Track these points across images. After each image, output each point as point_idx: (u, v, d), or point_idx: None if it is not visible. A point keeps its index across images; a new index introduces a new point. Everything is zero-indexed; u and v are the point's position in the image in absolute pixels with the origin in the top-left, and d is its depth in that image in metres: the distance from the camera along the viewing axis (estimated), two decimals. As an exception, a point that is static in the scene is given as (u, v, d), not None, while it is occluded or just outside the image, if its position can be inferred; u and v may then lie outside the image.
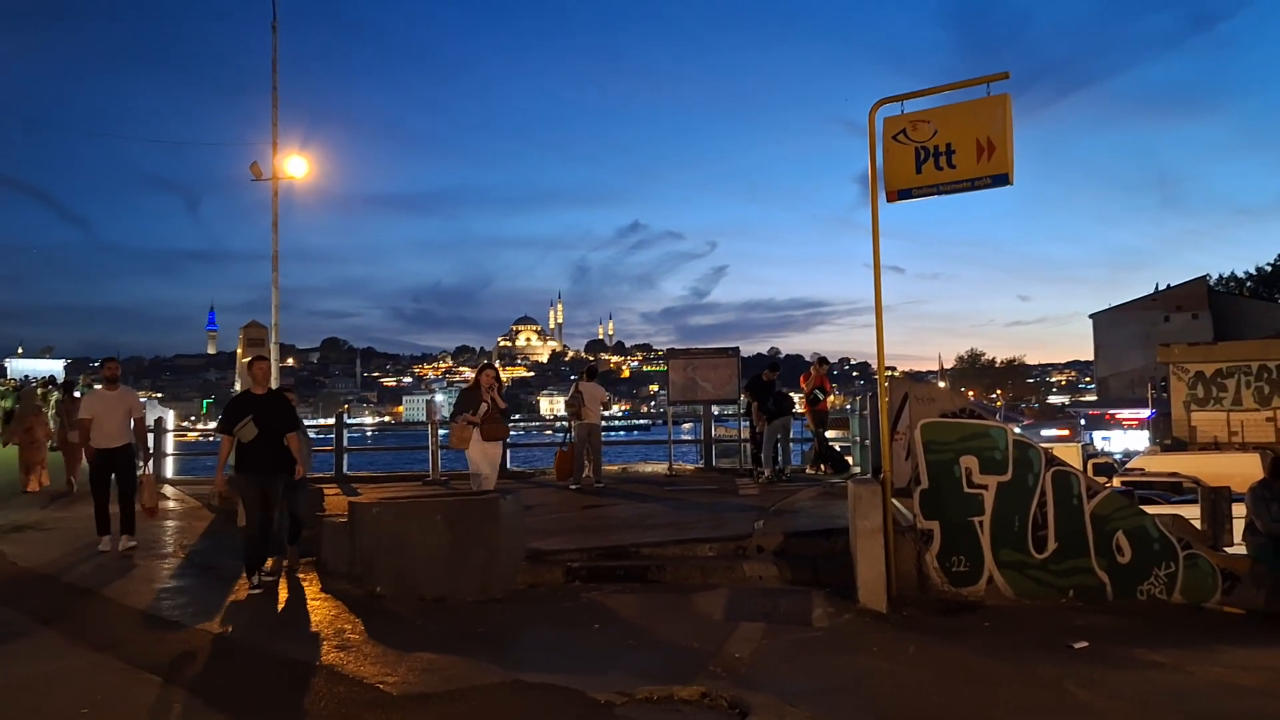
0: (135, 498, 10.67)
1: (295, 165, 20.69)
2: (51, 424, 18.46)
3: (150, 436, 16.08)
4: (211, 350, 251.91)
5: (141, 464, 11.03)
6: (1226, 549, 10.02)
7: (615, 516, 11.79)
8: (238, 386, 16.11)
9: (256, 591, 8.48)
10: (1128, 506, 8.65)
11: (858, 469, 15.88)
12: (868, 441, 15.38)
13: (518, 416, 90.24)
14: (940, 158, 8.42)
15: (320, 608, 8.07)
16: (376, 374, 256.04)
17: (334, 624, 7.51)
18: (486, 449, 10.97)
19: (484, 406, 10.97)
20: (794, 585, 8.73)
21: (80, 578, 9.35)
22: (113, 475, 10.58)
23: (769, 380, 15.36)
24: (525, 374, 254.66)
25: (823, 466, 15.95)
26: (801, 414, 16.38)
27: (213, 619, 7.69)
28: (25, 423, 16.70)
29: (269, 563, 9.16)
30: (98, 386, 10.99)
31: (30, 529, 12.36)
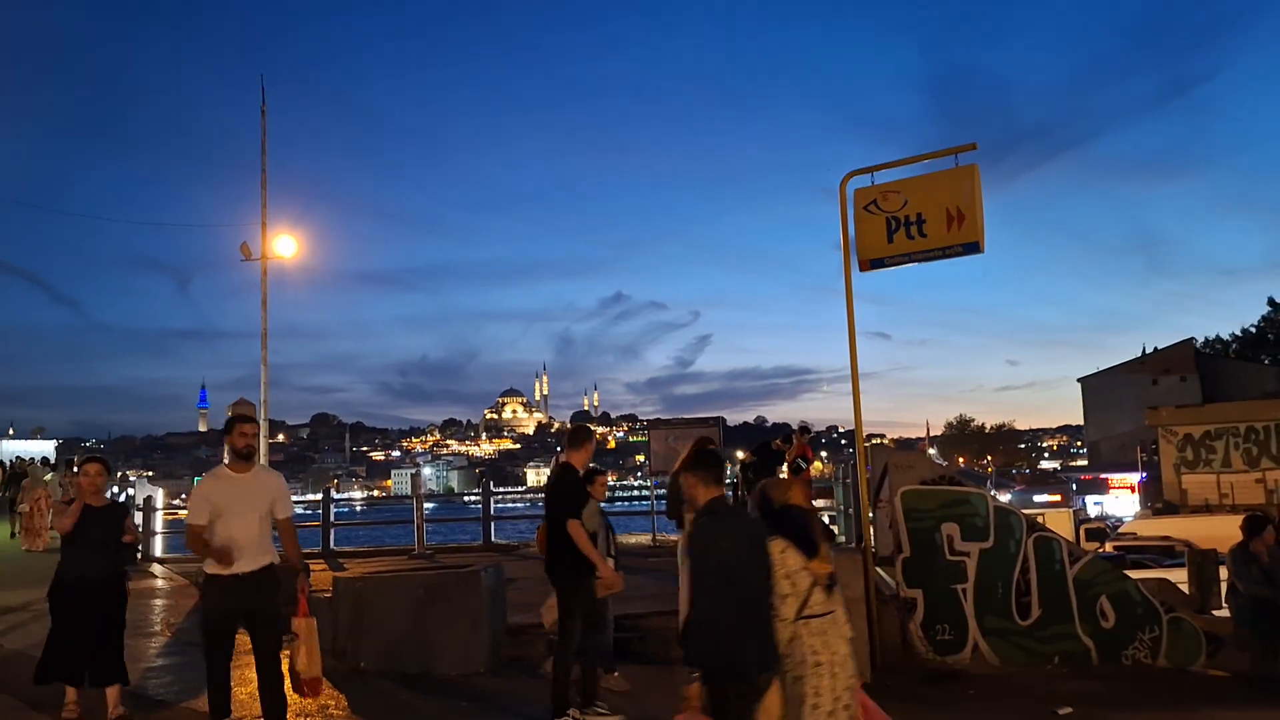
0: (285, 659, 6.22)
1: (284, 245, 20.89)
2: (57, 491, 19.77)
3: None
4: (203, 428, 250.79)
5: (300, 594, 6.15)
6: (1214, 612, 10.02)
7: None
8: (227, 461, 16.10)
9: None
10: (1110, 571, 8.67)
11: (842, 538, 15.82)
12: (851, 510, 15.37)
13: (503, 490, 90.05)
14: (911, 227, 8.61)
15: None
16: (365, 448, 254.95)
17: (318, 700, 7.43)
18: None
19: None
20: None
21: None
22: (248, 624, 6.02)
23: (779, 449, 15.42)
24: (512, 446, 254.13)
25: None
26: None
27: (199, 697, 7.59)
28: (35, 494, 19.35)
29: None
30: (222, 465, 6.25)
31: (19, 610, 12.22)
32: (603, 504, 7.82)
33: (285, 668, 6.15)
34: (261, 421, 18.05)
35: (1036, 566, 8.46)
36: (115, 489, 23.89)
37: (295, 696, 6.29)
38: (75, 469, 17.64)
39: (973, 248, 8.59)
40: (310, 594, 6.25)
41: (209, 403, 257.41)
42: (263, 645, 6.03)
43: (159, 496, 21.28)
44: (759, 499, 5.06)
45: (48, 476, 22.37)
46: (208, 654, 6.00)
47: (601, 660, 7.35)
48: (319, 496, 19.83)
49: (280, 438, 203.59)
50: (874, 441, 9.93)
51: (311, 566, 13.48)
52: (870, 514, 9.65)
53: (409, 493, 19.93)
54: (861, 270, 8.86)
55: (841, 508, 17.14)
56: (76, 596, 6.67)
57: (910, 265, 8.88)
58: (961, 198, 8.52)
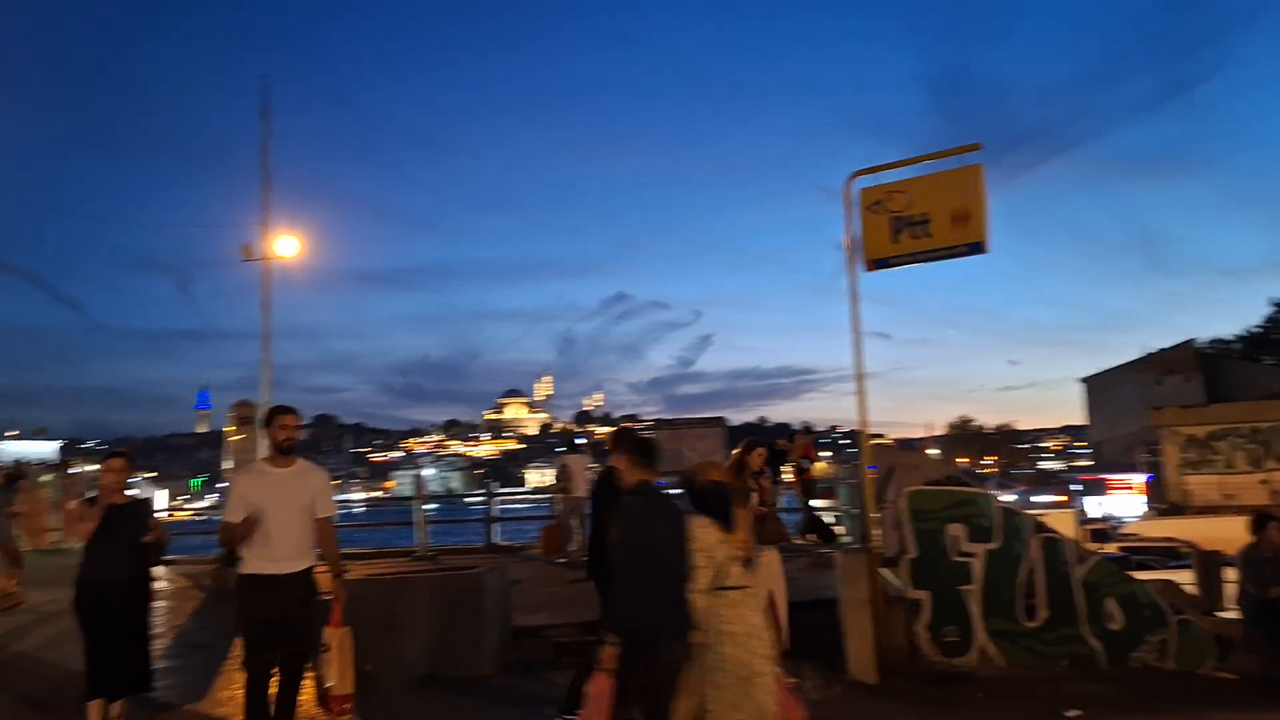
0: (312, 674, 5.95)
1: (285, 245, 20.90)
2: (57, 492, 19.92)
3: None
4: (203, 429, 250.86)
5: (333, 602, 5.86)
6: (1221, 614, 9.96)
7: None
8: (226, 464, 16.05)
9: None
10: (1117, 573, 8.61)
11: (848, 539, 15.78)
12: (856, 511, 15.32)
13: (506, 490, 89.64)
14: (916, 227, 8.56)
15: (306, 684, 7.94)
16: (366, 449, 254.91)
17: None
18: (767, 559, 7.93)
19: (754, 497, 8.08)
20: (784, 658, 8.62)
21: (67, 658, 9.19)
22: (279, 629, 5.60)
23: (783, 449, 15.36)
24: (514, 447, 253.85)
25: (811, 537, 15.85)
26: (790, 483, 16.32)
27: (202, 700, 7.58)
28: (34, 494, 19.08)
29: None
30: (261, 460, 5.97)
31: (25, 611, 12.17)
32: None
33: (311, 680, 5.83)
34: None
35: (1043, 568, 8.40)
36: (135, 490, 23.82)
37: (316, 710, 5.83)
38: (69, 470, 17.65)
39: (977, 248, 8.54)
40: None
41: (210, 404, 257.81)
42: (289, 654, 5.64)
43: (163, 498, 21.30)
44: (684, 478, 5.36)
45: (46, 477, 22.55)
46: (247, 663, 5.58)
47: None
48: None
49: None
50: (876, 442, 9.87)
51: (314, 569, 13.47)
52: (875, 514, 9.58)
53: (411, 494, 19.88)
54: (867, 270, 8.81)
55: (845, 508, 17.12)
56: (100, 601, 6.26)
57: (914, 265, 8.84)
58: (966, 197, 8.47)
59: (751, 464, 8.05)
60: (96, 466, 9.88)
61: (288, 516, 5.57)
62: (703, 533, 4.94)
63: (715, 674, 4.86)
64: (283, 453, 5.67)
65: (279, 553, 5.53)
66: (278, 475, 5.66)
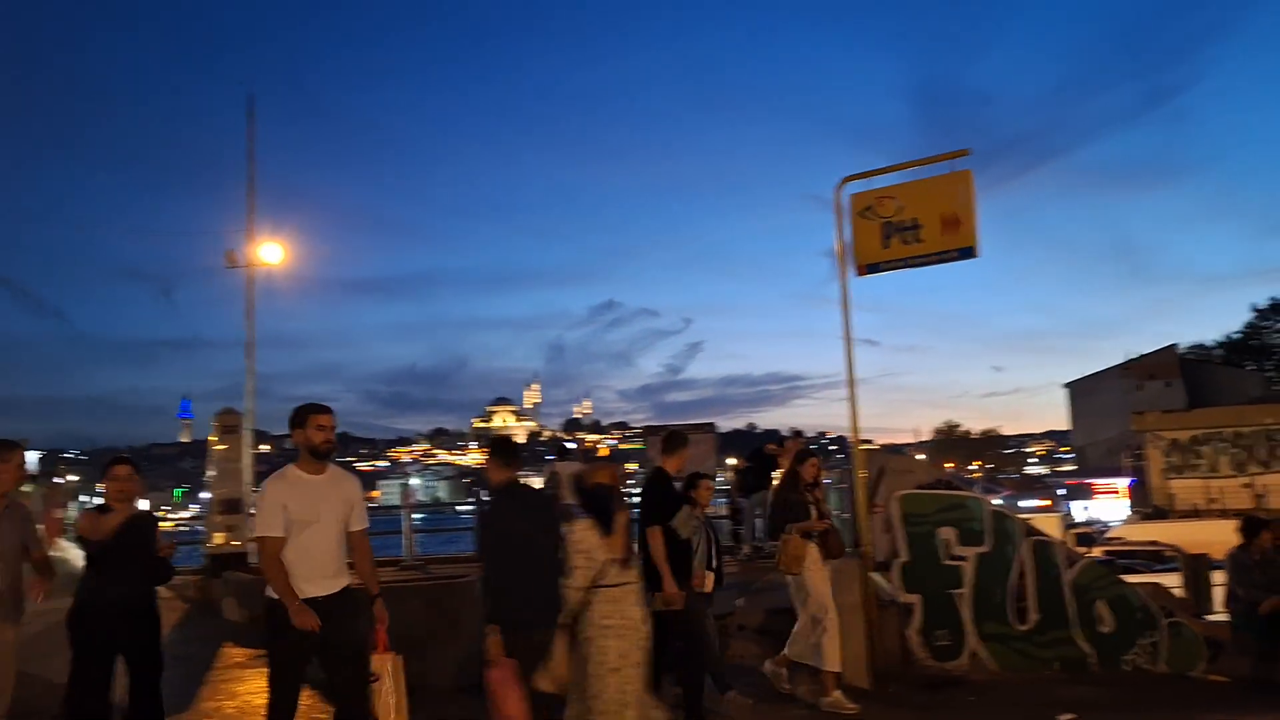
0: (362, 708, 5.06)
1: (270, 252, 20.75)
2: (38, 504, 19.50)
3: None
4: (186, 438, 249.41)
5: (378, 624, 5.16)
6: (1208, 617, 10.00)
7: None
8: (210, 474, 15.89)
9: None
10: (1107, 576, 8.64)
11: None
12: (847, 515, 15.31)
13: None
14: (907, 232, 8.57)
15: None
16: (352, 459, 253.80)
17: (309, 714, 7.31)
18: (827, 574, 7.63)
19: (813, 511, 7.64)
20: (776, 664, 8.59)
21: (53, 671, 9.09)
22: (323, 659, 4.98)
23: (772, 454, 15.34)
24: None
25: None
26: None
27: (185, 712, 7.48)
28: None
29: None
30: (292, 466, 5.13)
31: None
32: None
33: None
34: (246, 432, 17.85)
35: (1034, 571, 8.42)
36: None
37: None
38: (56, 480, 17.30)
39: (967, 252, 8.56)
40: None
41: (192, 413, 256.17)
42: (346, 687, 4.95)
43: (145, 508, 21.14)
44: (573, 480, 5.81)
45: (28, 488, 22.31)
46: (273, 688, 4.93)
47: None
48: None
49: (265, 448, 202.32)
50: (863, 448, 9.83)
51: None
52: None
53: (397, 503, 19.77)
54: (858, 275, 8.81)
55: (836, 512, 17.11)
56: (103, 622, 5.54)
57: (902, 271, 8.86)
58: (956, 203, 8.49)
59: (805, 475, 7.68)
60: (75, 478, 9.57)
61: (327, 529, 4.96)
62: (584, 534, 5.35)
63: (594, 664, 5.30)
64: (320, 457, 5.04)
65: (320, 570, 4.89)
66: (314, 483, 5.01)
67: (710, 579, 6.83)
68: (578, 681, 5.32)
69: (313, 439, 4.99)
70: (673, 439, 7.22)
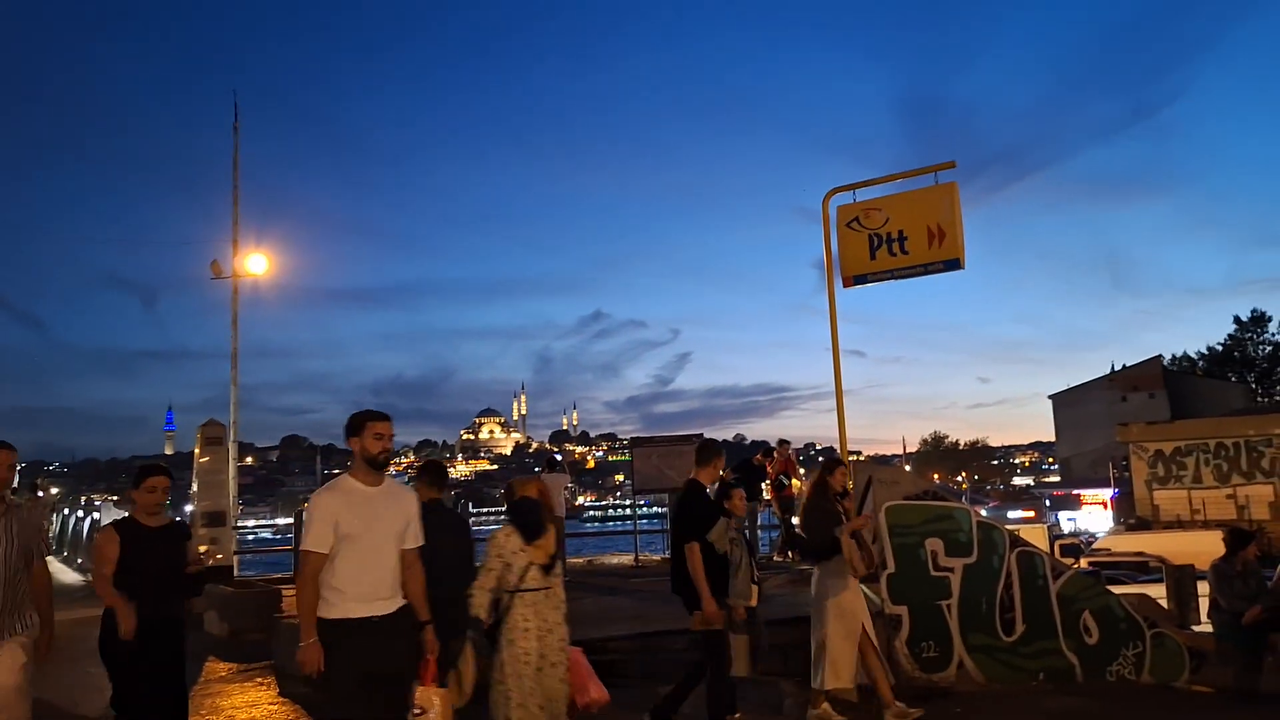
0: None
1: (255, 263, 20.69)
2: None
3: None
4: (169, 450, 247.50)
5: (428, 653, 4.76)
6: (1193, 627, 10.04)
7: (579, 611, 11.52)
8: (195, 487, 15.79)
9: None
10: (1093, 586, 8.66)
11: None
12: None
13: (481, 511, 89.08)
14: (893, 244, 8.62)
15: (277, 713, 7.82)
16: (337, 470, 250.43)
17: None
18: (861, 593, 7.44)
19: (845, 522, 7.33)
20: (764, 675, 8.58)
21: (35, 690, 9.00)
22: (384, 689, 4.57)
23: (759, 464, 15.33)
24: (489, 467, 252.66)
25: (790, 553, 15.84)
26: (768, 500, 16.32)
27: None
28: None
29: None
30: (345, 475, 4.84)
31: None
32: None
33: None
34: (230, 444, 17.74)
35: (1020, 582, 8.43)
36: (98, 514, 22.75)
37: None
38: (39, 493, 17.12)
39: (953, 264, 8.61)
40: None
41: (175, 425, 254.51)
42: (379, 714, 4.53)
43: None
44: (505, 490, 6.11)
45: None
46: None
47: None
48: (290, 520, 19.53)
49: (249, 460, 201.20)
50: (851, 458, 9.87)
51: (283, 592, 13.13)
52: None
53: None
54: (845, 286, 8.87)
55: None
56: (139, 640, 5.27)
57: (889, 282, 8.90)
58: (942, 215, 8.54)
59: (834, 484, 7.44)
60: (56, 490, 9.26)
61: (382, 545, 4.61)
62: (504, 539, 5.67)
63: (515, 664, 5.49)
64: (377, 467, 4.73)
65: (374, 590, 4.54)
66: (370, 495, 4.68)
67: (755, 592, 6.85)
68: (499, 681, 5.53)
69: (370, 448, 4.71)
70: (706, 449, 7.01)
